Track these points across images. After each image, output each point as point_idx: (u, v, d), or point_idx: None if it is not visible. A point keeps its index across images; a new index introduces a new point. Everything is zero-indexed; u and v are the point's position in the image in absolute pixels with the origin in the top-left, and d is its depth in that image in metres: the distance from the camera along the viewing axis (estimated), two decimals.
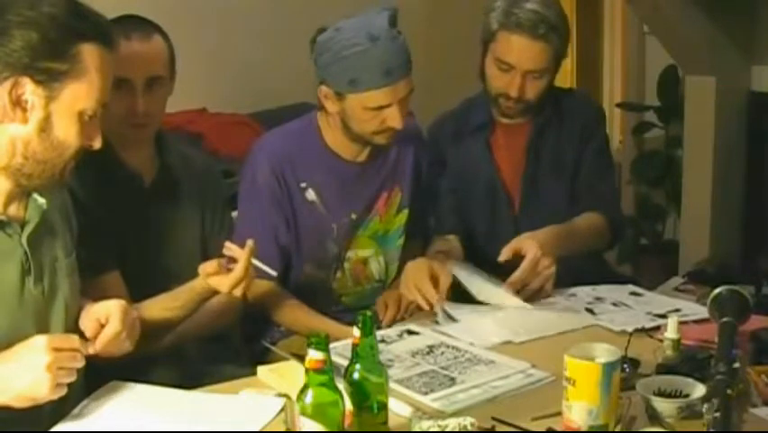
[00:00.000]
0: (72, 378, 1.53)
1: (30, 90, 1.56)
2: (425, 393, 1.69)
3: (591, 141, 2.54)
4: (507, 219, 2.53)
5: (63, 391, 1.53)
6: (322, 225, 2.31)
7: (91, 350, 1.61)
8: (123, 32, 1.96)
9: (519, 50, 2.36)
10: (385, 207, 2.38)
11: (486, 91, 2.49)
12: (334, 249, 2.32)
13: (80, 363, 1.55)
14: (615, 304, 2.20)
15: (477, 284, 2.22)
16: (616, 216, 2.54)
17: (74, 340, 1.56)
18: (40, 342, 1.52)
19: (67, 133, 1.61)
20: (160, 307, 1.92)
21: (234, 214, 2.36)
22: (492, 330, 2.01)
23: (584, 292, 2.29)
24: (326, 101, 2.22)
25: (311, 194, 2.30)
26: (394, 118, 2.17)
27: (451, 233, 2.49)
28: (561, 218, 2.41)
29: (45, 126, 1.59)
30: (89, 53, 1.59)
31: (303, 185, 2.29)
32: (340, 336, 1.94)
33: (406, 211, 2.41)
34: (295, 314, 2.29)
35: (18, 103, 1.57)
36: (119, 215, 2.02)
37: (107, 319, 1.68)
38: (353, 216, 2.32)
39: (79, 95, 1.59)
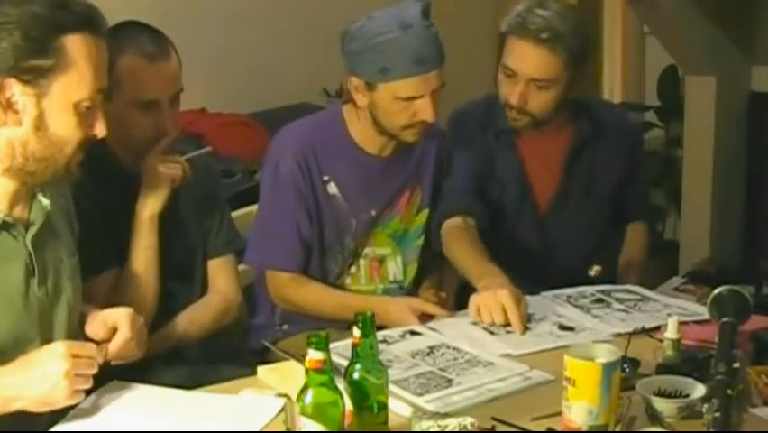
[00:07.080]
0: (88, 385, 1.54)
1: (18, 91, 1.54)
2: (420, 394, 1.68)
3: (636, 160, 2.63)
4: (533, 228, 2.47)
5: (80, 398, 1.54)
6: (341, 220, 2.28)
7: (100, 358, 1.60)
8: (144, 55, 1.96)
9: (522, 55, 2.29)
10: (407, 207, 2.35)
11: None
12: (351, 244, 2.30)
13: (95, 370, 1.56)
14: (622, 309, 2.17)
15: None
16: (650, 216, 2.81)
17: (91, 348, 1.57)
18: (59, 349, 1.52)
19: (65, 127, 1.59)
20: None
21: (234, 214, 2.36)
22: (491, 342, 1.97)
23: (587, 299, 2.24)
24: (356, 93, 2.19)
25: (332, 187, 2.27)
26: (425, 110, 2.12)
27: (468, 214, 2.34)
28: (586, 232, 2.49)
29: (40, 124, 1.57)
30: (73, 44, 1.55)
31: (325, 178, 2.26)
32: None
33: (426, 211, 2.37)
34: (328, 296, 2.28)
35: (9, 106, 1.54)
36: (117, 214, 2.02)
37: (115, 326, 1.69)
38: (373, 213, 2.30)
39: (70, 87, 1.56)
